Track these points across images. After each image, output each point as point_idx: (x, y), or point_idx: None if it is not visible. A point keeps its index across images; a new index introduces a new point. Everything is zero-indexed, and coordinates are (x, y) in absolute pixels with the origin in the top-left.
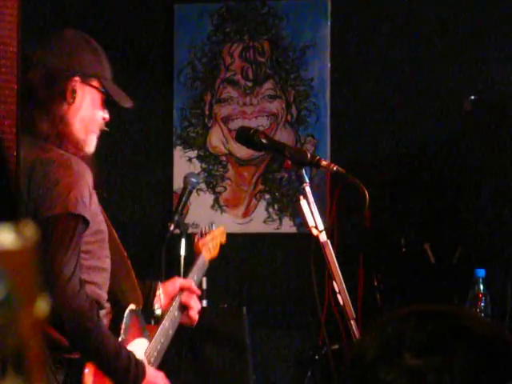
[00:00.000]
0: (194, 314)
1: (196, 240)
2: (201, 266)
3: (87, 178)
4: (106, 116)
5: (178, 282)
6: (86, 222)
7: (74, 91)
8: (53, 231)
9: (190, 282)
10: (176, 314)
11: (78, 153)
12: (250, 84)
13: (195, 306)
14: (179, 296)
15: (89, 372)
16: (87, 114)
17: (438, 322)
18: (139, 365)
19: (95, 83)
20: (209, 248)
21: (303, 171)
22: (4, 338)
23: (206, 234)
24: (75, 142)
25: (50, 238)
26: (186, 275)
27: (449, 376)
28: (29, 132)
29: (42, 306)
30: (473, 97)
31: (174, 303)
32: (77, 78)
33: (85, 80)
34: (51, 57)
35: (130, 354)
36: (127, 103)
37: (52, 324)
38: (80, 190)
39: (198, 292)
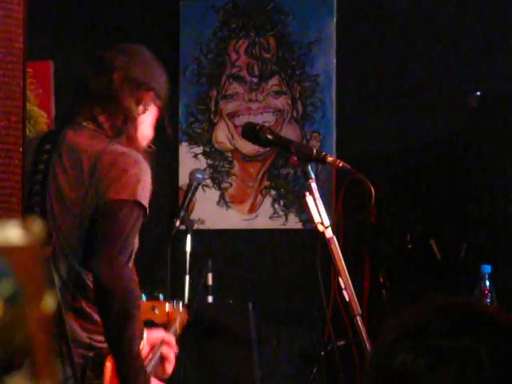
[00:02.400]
0: (170, 367)
1: (169, 308)
2: (175, 329)
3: (149, 175)
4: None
5: (161, 333)
6: (145, 215)
7: (147, 104)
8: (117, 214)
9: (172, 337)
10: (155, 363)
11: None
12: (255, 80)
13: (173, 361)
14: (160, 347)
15: (108, 369)
16: (146, 131)
17: (463, 310)
18: (147, 374)
19: (160, 104)
20: (180, 320)
21: (309, 167)
22: (12, 334)
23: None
24: (137, 146)
25: (113, 221)
26: (191, 271)
27: (476, 362)
28: (82, 125)
29: (50, 302)
30: (478, 93)
31: (156, 353)
32: (152, 94)
33: (156, 99)
34: (134, 66)
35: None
36: (170, 131)
37: (98, 303)
38: (145, 183)
39: (176, 350)
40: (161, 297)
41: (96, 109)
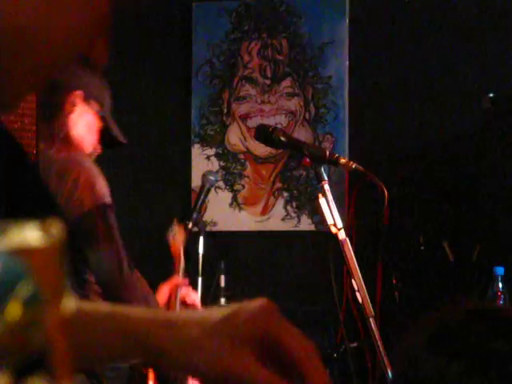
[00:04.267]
0: (196, 302)
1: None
2: (182, 268)
3: (96, 169)
4: (98, 149)
5: (174, 279)
6: (113, 210)
7: (73, 104)
8: (95, 226)
9: (182, 278)
10: (179, 309)
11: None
12: (268, 82)
13: (194, 298)
14: (178, 292)
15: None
16: (82, 133)
17: (496, 314)
18: None
19: (96, 107)
20: (182, 249)
21: (321, 169)
22: (31, 336)
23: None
24: (75, 148)
25: (92, 236)
26: (204, 273)
27: None
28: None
29: (69, 304)
30: (492, 94)
31: (176, 300)
32: (78, 94)
33: (87, 100)
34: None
35: None
36: (122, 138)
37: None
38: (99, 179)
39: (189, 289)
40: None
41: (43, 121)
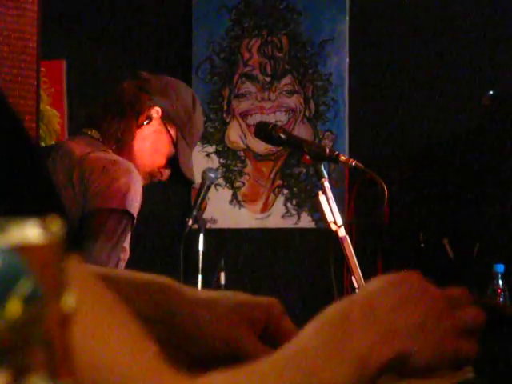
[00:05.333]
0: None
1: None
2: None
3: (140, 185)
4: (164, 174)
5: None
6: (133, 225)
7: (149, 118)
8: (106, 223)
9: None
10: None
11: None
12: (268, 79)
13: None
14: None
15: None
16: (146, 148)
17: (490, 313)
18: None
19: (172, 131)
20: None
21: (322, 166)
22: (31, 333)
23: None
24: (132, 158)
25: (101, 229)
26: (204, 271)
27: (506, 363)
28: (85, 133)
29: (69, 301)
30: (492, 92)
31: None
32: (158, 109)
33: (165, 119)
34: (150, 84)
35: None
36: (191, 176)
37: None
38: (136, 192)
39: None
40: None
41: (105, 117)
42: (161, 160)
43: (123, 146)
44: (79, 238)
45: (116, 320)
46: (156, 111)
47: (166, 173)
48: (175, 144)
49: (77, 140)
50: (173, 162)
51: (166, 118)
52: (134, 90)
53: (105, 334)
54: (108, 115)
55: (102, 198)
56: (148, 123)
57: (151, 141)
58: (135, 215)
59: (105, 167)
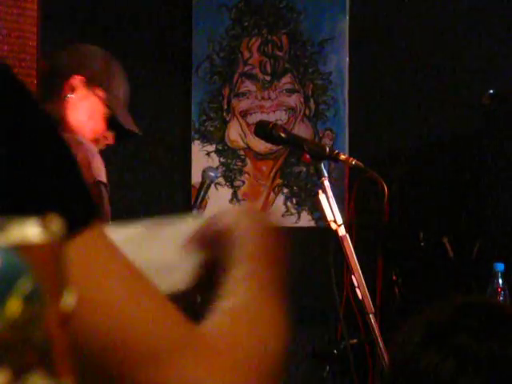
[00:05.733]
0: None
1: None
2: None
3: (96, 151)
4: (109, 137)
5: None
6: (108, 190)
7: (72, 88)
8: None
9: None
10: None
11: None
12: (268, 78)
13: None
14: None
15: None
16: (82, 118)
17: (488, 310)
18: None
19: (100, 93)
20: None
21: (322, 165)
22: (31, 332)
23: None
24: (72, 128)
25: None
26: None
27: (504, 361)
28: None
29: (69, 300)
30: (492, 91)
31: None
32: (78, 78)
33: (88, 84)
34: (62, 57)
35: None
36: (133, 128)
37: None
38: (96, 159)
39: None
40: None
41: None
42: (100, 124)
43: (61, 124)
44: None
45: (140, 284)
46: (77, 80)
47: (110, 135)
48: (107, 104)
49: None
50: (112, 122)
51: (88, 83)
52: (49, 69)
53: (136, 299)
54: (41, 100)
55: None
56: (73, 93)
57: (84, 109)
58: (106, 181)
59: None
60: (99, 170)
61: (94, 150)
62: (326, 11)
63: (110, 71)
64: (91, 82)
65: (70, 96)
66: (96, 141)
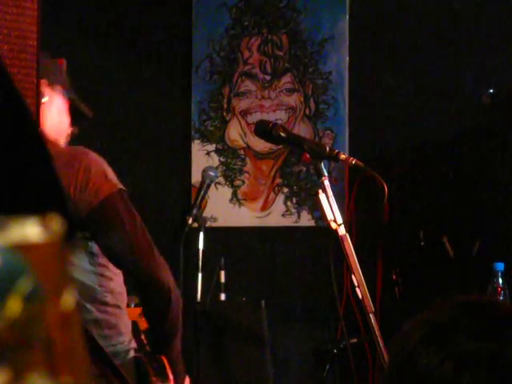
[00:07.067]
0: None
1: None
2: None
3: (101, 158)
4: (71, 128)
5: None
6: (128, 194)
7: (42, 94)
8: (115, 212)
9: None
10: None
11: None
12: (268, 77)
13: None
14: None
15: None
16: (55, 118)
17: (489, 310)
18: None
19: (59, 88)
20: None
21: (322, 165)
22: (31, 331)
23: None
24: (55, 137)
25: (119, 216)
26: (204, 269)
27: (503, 362)
28: None
29: (69, 300)
30: (492, 90)
31: None
32: (43, 81)
33: (51, 84)
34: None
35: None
36: (88, 112)
37: (149, 297)
38: (106, 166)
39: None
40: None
41: None
42: (67, 119)
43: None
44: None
45: None
46: (42, 84)
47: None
48: (67, 96)
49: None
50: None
51: (50, 83)
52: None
53: None
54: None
55: (91, 195)
56: (44, 97)
57: (55, 109)
58: (122, 186)
59: (65, 164)
60: (113, 177)
61: (101, 158)
62: (326, 11)
63: (58, 66)
64: (52, 82)
65: (44, 101)
66: (68, 134)
